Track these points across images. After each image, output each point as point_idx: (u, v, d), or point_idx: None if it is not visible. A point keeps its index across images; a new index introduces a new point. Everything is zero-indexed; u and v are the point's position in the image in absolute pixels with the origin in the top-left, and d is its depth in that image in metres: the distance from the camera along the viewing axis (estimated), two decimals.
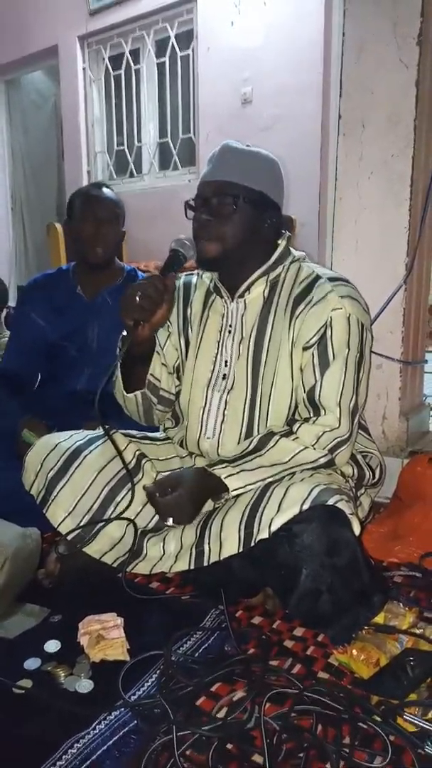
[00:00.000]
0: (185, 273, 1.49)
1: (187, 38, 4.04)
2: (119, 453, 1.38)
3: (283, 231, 1.38)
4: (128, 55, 4.37)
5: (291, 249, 1.38)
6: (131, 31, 4.29)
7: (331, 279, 1.31)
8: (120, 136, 4.58)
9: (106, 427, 1.38)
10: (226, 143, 1.31)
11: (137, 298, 1.25)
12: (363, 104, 1.90)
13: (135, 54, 4.37)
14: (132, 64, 4.37)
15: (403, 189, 1.89)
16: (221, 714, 1.02)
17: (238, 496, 1.23)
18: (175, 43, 4.08)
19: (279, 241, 1.36)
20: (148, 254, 4.16)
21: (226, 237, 1.28)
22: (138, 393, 1.40)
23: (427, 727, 0.93)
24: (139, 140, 4.45)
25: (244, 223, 1.27)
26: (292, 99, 3.45)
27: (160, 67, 4.25)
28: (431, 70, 1.90)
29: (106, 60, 4.52)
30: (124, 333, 1.30)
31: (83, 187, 1.90)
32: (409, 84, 1.82)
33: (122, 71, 4.45)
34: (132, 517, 1.36)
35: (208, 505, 1.28)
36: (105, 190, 1.84)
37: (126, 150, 4.54)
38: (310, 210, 3.35)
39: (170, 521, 1.21)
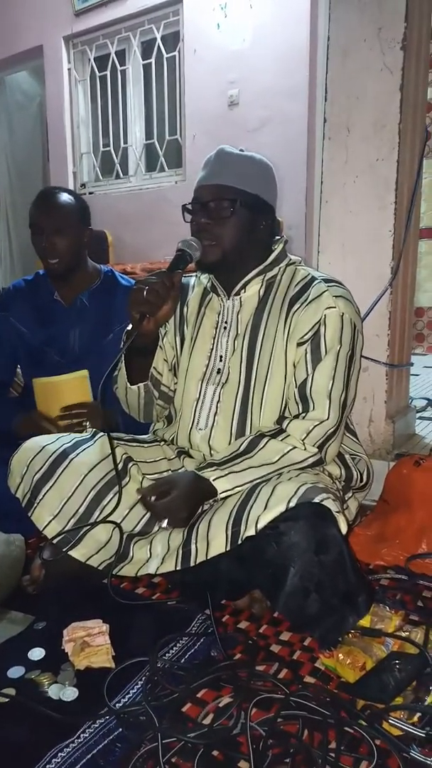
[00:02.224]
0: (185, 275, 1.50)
1: (173, 40, 4.03)
2: (113, 450, 1.38)
3: (279, 234, 1.43)
4: (114, 56, 4.35)
5: (288, 253, 1.43)
6: (117, 32, 4.27)
7: (327, 281, 1.36)
8: (106, 138, 4.56)
9: (98, 430, 1.41)
10: (221, 148, 1.35)
11: (144, 292, 1.27)
12: (348, 109, 1.91)
13: (121, 55, 4.35)
14: (118, 65, 4.36)
15: (388, 193, 1.90)
16: (207, 720, 1.01)
17: (226, 497, 1.23)
18: (161, 45, 4.07)
19: (275, 245, 1.41)
20: (135, 255, 4.15)
21: (224, 239, 1.32)
22: (141, 385, 1.43)
23: (412, 730, 0.93)
24: (125, 141, 4.44)
25: (240, 225, 1.32)
26: (278, 102, 3.46)
27: (147, 68, 4.23)
28: (415, 74, 1.92)
29: (92, 61, 4.50)
30: (129, 327, 1.32)
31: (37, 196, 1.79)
32: (393, 89, 1.83)
33: (108, 72, 4.43)
34: (119, 521, 1.35)
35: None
36: (58, 195, 1.73)
37: (112, 151, 4.52)
38: (297, 212, 3.36)
39: (165, 523, 1.21)
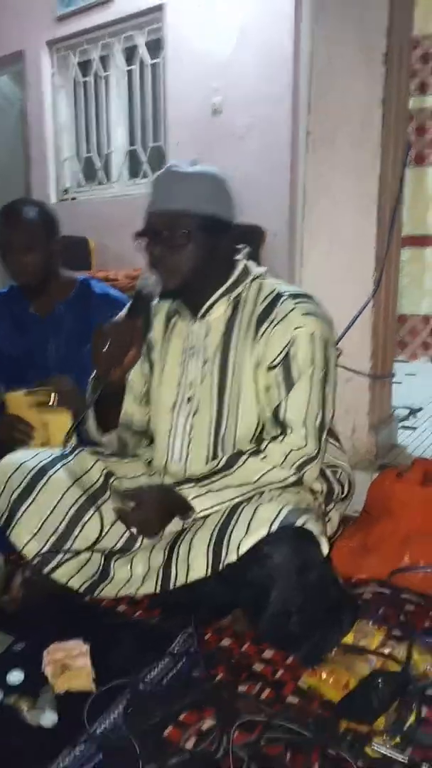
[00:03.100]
0: None
1: (156, 46, 4.02)
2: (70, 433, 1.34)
3: (239, 246, 1.36)
4: (97, 62, 4.33)
5: (251, 266, 1.36)
6: (100, 38, 4.25)
7: (293, 296, 1.29)
8: (88, 143, 4.54)
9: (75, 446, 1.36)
10: (169, 167, 1.28)
11: (106, 347, 1.21)
12: (331, 121, 1.92)
13: (104, 61, 4.34)
14: (100, 71, 4.34)
15: (370, 204, 1.91)
16: (190, 743, 1.00)
17: (206, 516, 1.22)
18: (144, 51, 4.07)
19: (238, 256, 1.35)
20: (119, 262, 4.12)
21: (183, 269, 1.25)
22: (113, 433, 1.39)
23: (394, 756, 0.93)
24: (108, 147, 4.42)
25: (199, 251, 1.25)
26: (262, 109, 3.46)
27: (130, 74, 4.22)
28: (397, 87, 1.93)
29: (75, 66, 4.47)
30: (94, 376, 1.28)
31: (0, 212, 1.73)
32: (375, 101, 1.84)
33: (91, 78, 4.41)
34: (100, 535, 1.33)
35: (177, 525, 1.27)
36: (22, 211, 1.67)
37: (95, 157, 4.50)
38: (280, 220, 3.37)
39: (134, 530, 1.22)
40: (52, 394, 1.58)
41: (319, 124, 1.94)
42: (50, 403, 1.56)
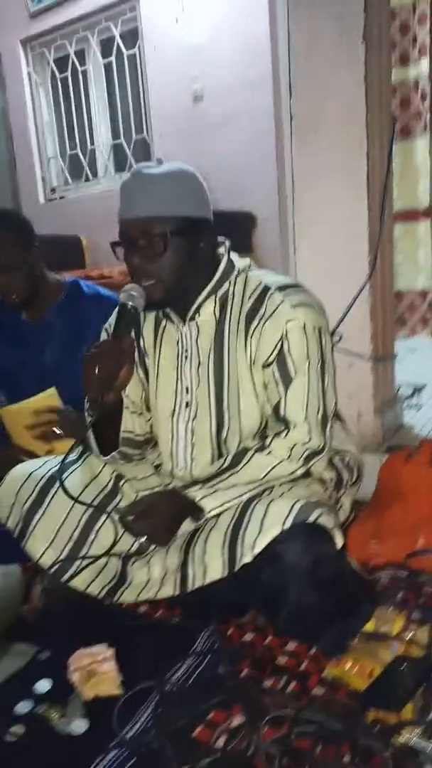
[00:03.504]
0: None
1: (132, 37, 3.96)
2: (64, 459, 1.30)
3: (220, 239, 1.32)
4: (73, 57, 4.27)
5: (234, 260, 1.33)
6: (74, 32, 4.19)
7: (281, 288, 1.26)
8: (72, 140, 4.49)
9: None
10: (137, 170, 1.22)
11: (96, 370, 1.18)
12: (315, 103, 1.90)
13: (80, 55, 4.27)
14: (78, 65, 4.28)
15: (360, 182, 1.89)
16: (220, 742, 1.01)
17: (218, 514, 1.22)
18: (120, 43, 4.01)
19: (220, 250, 1.31)
20: (110, 258, 4.09)
21: (163, 275, 1.21)
22: (115, 454, 1.36)
23: (424, 747, 0.94)
24: (92, 143, 4.38)
25: (177, 256, 1.21)
26: (243, 94, 3.41)
27: (107, 67, 4.16)
28: (378, 64, 1.90)
29: (51, 63, 4.41)
30: (88, 402, 1.25)
31: None
32: (358, 81, 1.82)
33: (69, 73, 4.35)
34: (115, 539, 1.33)
35: (189, 525, 1.27)
36: None
37: (79, 154, 4.45)
38: (269, 205, 3.34)
39: (144, 539, 1.22)
40: (57, 428, 1.57)
41: (302, 106, 1.92)
42: (58, 434, 1.55)
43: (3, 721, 1.09)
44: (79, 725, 1.07)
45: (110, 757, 1.00)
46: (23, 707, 1.13)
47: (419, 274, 3.32)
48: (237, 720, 1.04)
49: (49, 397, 1.65)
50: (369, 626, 1.19)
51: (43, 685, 1.18)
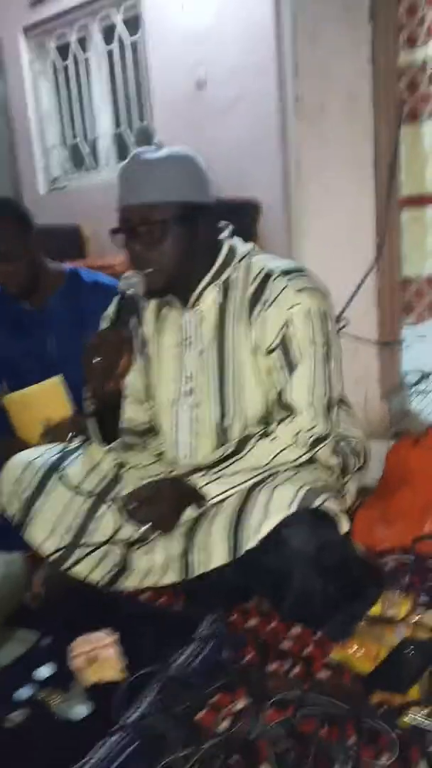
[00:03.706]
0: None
1: (134, 24, 3.92)
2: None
3: (221, 225, 1.29)
4: (75, 45, 4.24)
5: (236, 244, 1.30)
6: (76, 20, 4.15)
7: (285, 272, 1.23)
8: (74, 129, 4.46)
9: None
10: (136, 155, 1.20)
11: (96, 361, 1.16)
12: (320, 86, 1.86)
13: (82, 43, 4.23)
14: (80, 53, 4.25)
15: (366, 167, 1.87)
16: (224, 725, 1.00)
17: (222, 500, 1.20)
18: (122, 30, 3.97)
19: (222, 235, 1.28)
20: (112, 248, 4.08)
21: (164, 262, 1.19)
22: (116, 443, 1.34)
23: (429, 726, 0.92)
24: (94, 132, 4.34)
25: (178, 242, 1.19)
26: (247, 80, 3.37)
27: (110, 55, 4.13)
28: (385, 45, 1.87)
29: (53, 51, 4.38)
30: (88, 392, 1.22)
31: None
32: (364, 63, 1.78)
33: (70, 62, 4.32)
34: (116, 528, 1.32)
35: (193, 512, 1.26)
36: None
37: (81, 143, 4.43)
38: (274, 191, 3.29)
39: (146, 527, 1.20)
40: (69, 433, 1.54)
41: (307, 89, 1.89)
42: (67, 440, 1.52)
43: (5, 707, 1.08)
44: (80, 710, 1.06)
45: (112, 741, 0.99)
46: (25, 692, 1.12)
47: (426, 260, 3.28)
48: (241, 703, 1.03)
49: (55, 385, 1.64)
50: (375, 610, 1.18)
51: (45, 671, 1.17)
